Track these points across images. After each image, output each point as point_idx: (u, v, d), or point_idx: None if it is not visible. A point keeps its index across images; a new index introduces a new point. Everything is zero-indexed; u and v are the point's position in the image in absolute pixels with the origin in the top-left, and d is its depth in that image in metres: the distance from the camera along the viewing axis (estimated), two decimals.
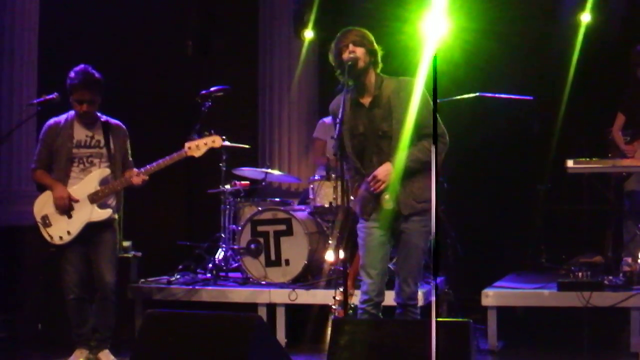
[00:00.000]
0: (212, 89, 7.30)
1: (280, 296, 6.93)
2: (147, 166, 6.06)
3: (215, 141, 6.20)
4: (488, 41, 8.18)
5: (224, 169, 7.82)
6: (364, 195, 5.04)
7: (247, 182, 8.12)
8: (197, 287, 7.23)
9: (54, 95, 6.06)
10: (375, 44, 5.07)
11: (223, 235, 7.76)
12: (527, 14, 8.52)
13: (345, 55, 4.96)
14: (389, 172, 4.93)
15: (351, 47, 4.97)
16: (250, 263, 7.35)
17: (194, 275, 7.71)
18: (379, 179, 4.93)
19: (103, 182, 6.05)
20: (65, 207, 5.94)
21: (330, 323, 4.72)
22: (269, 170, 8.19)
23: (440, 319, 3.60)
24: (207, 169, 8.45)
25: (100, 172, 6.06)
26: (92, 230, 6.00)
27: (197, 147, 6.13)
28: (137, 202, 6.74)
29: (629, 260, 6.90)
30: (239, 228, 7.49)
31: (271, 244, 7.30)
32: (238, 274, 7.65)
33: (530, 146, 8.71)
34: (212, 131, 6.31)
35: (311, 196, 7.48)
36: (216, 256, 7.78)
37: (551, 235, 8.40)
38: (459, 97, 7.47)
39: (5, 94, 7.51)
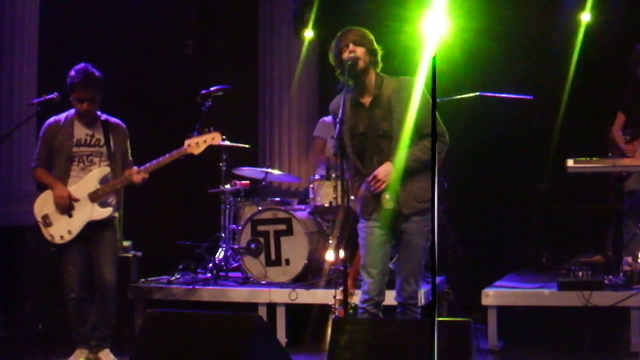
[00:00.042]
0: (212, 88, 7.31)
1: (281, 296, 6.93)
2: (147, 164, 6.06)
3: (215, 138, 6.19)
4: (488, 41, 8.18)
5: (224, 168, 7.82)
6: (364, 195, 5.05)
7: (247, 182, 8.12)
8: (197, 287, 7.23)
9: (54, 95, 6.06)
10: (375, 44, 5.07)
11: (223, 234, 7.76)
12: (527, 14, 8.52)
13: (346, 55, 4.97)
14: (390, 171, 4.93)
15: (351, 46, 4.97)
16: (251, 263, 7.35)
17: (194, 275, 7.71)
18: (380, 179, 4.93)
19: (103, 180, 6.05)
20: (66, 207, 5.94)
21: (330, 323, 4.72)
22: (269, 170, 8.19)
23: (441, 319, 3.60)
24: (207, 168, 8.47)
25: (100, 170, 6.06)
26: (92, 229, 6.00)
27: (196, 144, 6.12)
28: (138, 201, 6.74)
29: (629, 259, 6.90)
30: (239, 228, 7.49)
31: (271, 243, 7.30)
32: (238, 274, 7.65)
33: (530, 146, 8.71)
34: (212, 128, 6.30)
35: (311, 196, 7.48)
36: (216, 256, 7.78)
37: (551, 234, 8.40)
38: (459, 96, 7.48)
39: (5, 93, 7.51)
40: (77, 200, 5.96)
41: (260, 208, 7.49)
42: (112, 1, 8.77)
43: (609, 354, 6.45)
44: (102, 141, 6.08)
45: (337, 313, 5.03)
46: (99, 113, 6.13)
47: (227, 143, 7.72)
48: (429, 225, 4.95)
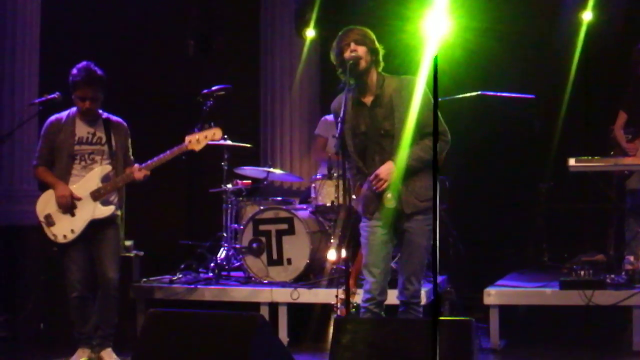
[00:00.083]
0: (213, 88, 7.31)
1: (282, 295, 6.93)
2: (149, 161, 6.06)
3: (216, 134, 6.18)
4: (489, 40, 8.18)
5: (226, 168, 7.82)
6: (366, 194, 5.04)
7: (249, 181, 8.12)
8: (199, 286, 7.23)
9: (56, 95, 6.06)
10: (376, 43, 5.07)
11: (225, 234, 7.76)
12: (528, 13, 8.52)
13: (347, 54, 4.96)
14: (391, 170, 4.93)
15: (353, 45, 4.97)
16: (252, 262, 7.35)
17: (196, 275, 7.71)
18: (381, 178, 4.93)
19: (105, 179, 6.05)
20: (68, 206, 5.95)
21: (332, 322, 4.71)
22: (271, 169, 8.19)
23: (443, 318, 3.61)
24: (208, 168, 8.46)
25: (102, 169, 6.06)
26: (95, 227, 6.00)
27: (197, 140, 6.12)
28: (140, 201, 6.75)
29: (631, 258, 6.90)
30: (241, 227, 7.49)
31: (273, 243, 7.30)
32: (240, 273, 7.65)
33: (532, 145, 8.71)
34: (212, 124, 6.30)
35: (313, 195, 7.48)
36: (218, 255, 7.78)
37: (553, 233, 8.40)
38: (460, 95, 7.47)
39: (6, 93, 7.52)
40: (79, 199, 5.96)
41: (262, 207, 7.49)
42: (113, 1, 8.78)
43: (611, 353, 6.45)
44: (104, 139, 6.09)
45: (339, 312, 5.03)
46: (100, 111, 6.13)
47: (229, 142, 7.72)
48: (431, 224, 4.95)
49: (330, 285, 6.92)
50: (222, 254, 7.76)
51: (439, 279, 3.65)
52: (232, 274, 7.70)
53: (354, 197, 5.16)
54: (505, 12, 8.35)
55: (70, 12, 8.27)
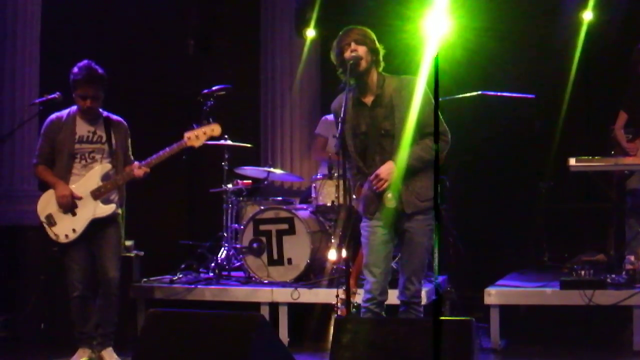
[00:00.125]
0: (214, 88, 7.32)
1: (283, 295, 6.93)
2: (148, 159, 6.06)
3: (215, 130, 6.17)
4: (490, 40, 8.18)
5: (226, 168, 7.82)
6: (367, 194, 5.04)
7: (249, 181, 8.12)
8: (199, 286, 7.23)
9: (56, 95, 6.07)
10: (377, 43, 5.06)
11: (225, 234, 7.76)
12: (529, 12, 8.52)
13: (347, 54, 4.96)
14: (392, 170, 4.93)
15: (353, 45, 4.97)
16: (253, 262, 7.35)
17: (196, 275, 7.71)
18: (382, 178, 4.93)
19: (105, 177, 6.05)
20: (69, 205, 5.95)
21: (332, 322, 4.71)
22: (271, 169, 8.19)
23: (443, 318, 3.60)
24: (209, 168, 8.46)
25: (102, 167, 6.06)
26: (96, 226, 6.00)
27: (196, 136, 6.11)
28: (140, 201, 6.74)
29: (632, 258, 6.89)
30: (241, 227, 7.49)
31: (273, 242, 7.30)
32: (240, 273, 7.65)
33: (532, 144, 8.71)
34: (211, 120, 6.29)
35: (313, 195, 7.48)
36: (218, 255, 7.78)
37: (553, 233, 8.40)
38: (460, 95, 7.47)
39: (7, 93, 7.53)
40: (79, 198, 5.96)
41: (262, 207, 7.49)
42: (113, 1, 8.78)
43: (611, 353, 6.45)
44: (104, 138, 6.09)
45: (339, 312, 5.03)
46: (100, 110, 6.13)
47: (229, 142, 7.73)
48: (432, 224, 4.96)
49: (330, 285, 6.92)
50: (222, 253, 7.76)
51: (440, 278, 3.65)
52: (233, 274, 7.70)
53: (354, 197, 5.16)
54: (506, 12, 8.35)
55: (70, 12, 8.27)
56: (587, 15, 8.46)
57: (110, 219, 6.07)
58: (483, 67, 8.30)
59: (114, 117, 6.21)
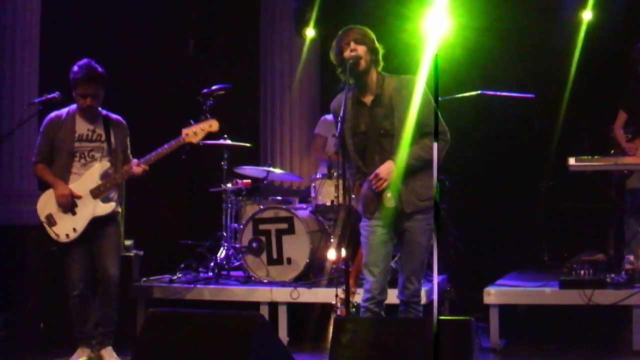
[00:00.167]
0: (213, 87, 7.32)
1: (282, 295, 6.93)
2: (147, 156, 6.06)
3: (212, 125, 6.17)
4: (489, 39, 8.17)
5: (226, 167, 7.83)
6: (366, 194, 5.04)
7: (249, 181, 8.13)
8: (199, 286, 7.23)
9: (55, 95, 6.06)
10: (376, 42, 5.07)
11: (225, 233, 7.76)
12: (528, 12, 8.51)
13: (347, 54, 4.96)
14: (391, 170, 4.93)
15: (352, 45, 4.97)
16: (252, 261, 7.35)
17: (195, 274, 7.71)
18: (381, 177, 4.93)
19: (104, 175, 6.05)
20: (69, 205, 5.95)
21: (332, 321, 4.71)
22: (271, 169, 8.19)
23: (442, 317, 3.60)
24: (208, 167, 8.46)
25: (101, 165, 6.06)
26: (96, 224, 6.00)
27: (194, 133, 6.11)
28: (139, 201, 6.75)
29: (631, 258, 6.90)
30: (241, 226, 7.49)
31: (273, 242, 7.30)
32: (240, 273, 7.65)
33: (531, 144, 8.70)
34: (209, 115, 6.28)
35: (313, 194, 7.48)
36: (218, 255, 7.79)
37: (553, 233, 8.40)
38: (460, 95, 7.47)
39: (6, 92, 7.52)
40: (79, 197, 5.96)
41: (261, 207, 7.49)
42: (113, 0, 8.77)
43: (611, 353, 6.45)
44: (104, 137, 6.09)
45: (339, 312, 5.03)
46: (99, 109, 6.13)
47: (229, 142, 7.73)
48: (431, 224, 4.96)
49: (330, 284, 6.92)
50: (222, 253, 7.76)
51: (439, 278, 3.64)
52: (232, 273, 7.71)
53: (353, 196, 5.15)
54: (505, 11, 8.34)
55: (70, 11, 8.26)
56: (587, 15, 8.46)
57: (110, 218, 6.07)
58: (483, 67, 8.30)
59: (113, 115, 6.21)
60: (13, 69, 7.54)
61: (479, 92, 7.49)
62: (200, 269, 7.84)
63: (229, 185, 7.83)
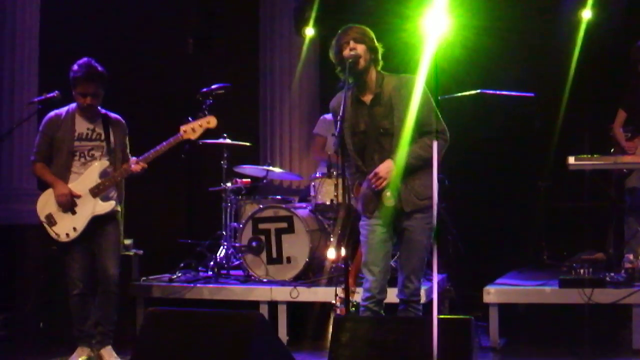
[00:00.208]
0: (213, 86, 7.31)
1: (282, 294, 6.93)
2: (145, 154, 6.06)
3: (210, 122, 6.18)
4: (489, 38, 8.17)
5: (225, 166, 7.82)
6: (365, 193, 5.04)
7: (248, 180, 8.12)
8: (198, 285, 7.23)
9: (55, 94, 6.06)
10: (376, 41, 5.06)
11: (224, 233, 7.76)
12: (528, 11, 8.51)
13: (346, 53, 4.96)
14: (391, 169, 4.93)
15: (352, 44, 4.97)
16: (252, 261, 7.35)
17: (195, 273, 7.71)
18: (381, 176, 4.93)
19: (103, 174, 6.05)
20: (68, 204, 5.95)
21: (331, 320, 4.72)
22: (270, 168, 8.19)
23: (442, 316, 3.61)
24: (208, 166, 8.46)
25: (100, 164, 6.06)
26: (96, 223, 6.00)
27: (192, 129, 6.12)
28: (139, 200, 6.74)
29: (631, 257, 6.89)
30: (240, 226, 7.49)
31: (272, 241, 7.29)
32: (239, 272, 7.65)
33: (531, 143, 8.70)
34: (206, 112, 6.29)
35: (312, 194, 7.48)
36: (217, 254, 7.79)
37: (552, 232, 8.40)
38: (460, 94, 7.47)
39: (6, 92, 7.52)
40: (78, 196, 5.96)
41: (261, 206, 7.49)
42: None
43: (610, 352, 6.44)
44: (103, 136, 6.09)
45: (338, 311, 5.03)
46: (99, 108, 6.13)
47: (228, 141, 7.73)
48: (431, 223, 4.96)
49: (329, 283, 6.92)
50: (221, 252, 7.76)
51: (439, 277, 3.66)
52: (232, 272, 7.70)
53: (352, 195, 5.15)
54: (505, 11, 8.34)
55: (69, 10, 8.27)
56: (586, 14, 8.46)
57: (110, 217, 6.07)
58: (482, 66, 8.30)
59: (112, 115, 6.21)
60: (13, 68, 7.54)
61: (479, 91, 7.50)
62: (199, 268, 7.84)
63: (229, 184, 7.83)
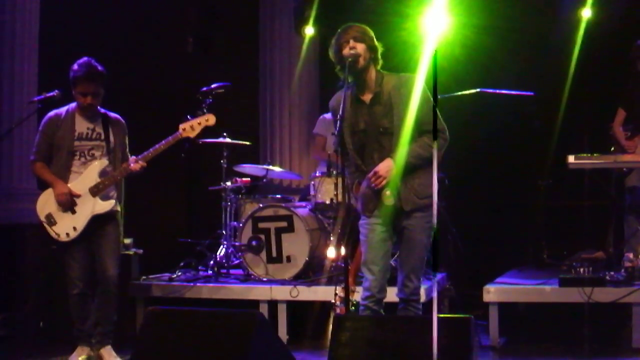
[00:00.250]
0: (212, 85, 7.31)
1: (282, 293, 6.93)
2: (144, 153, 6.06)
3: (209, 120, 6.18)
4: (488, 37, 8.18)
5: (225, 165, 7.82)
6: (365, 192, 5.04)
7: (248, 179, 8.12)
8: (198, 284, 7.23)
9: (55, 93, 6.06)
10: (375, 40, 5.06)
11: (224, 232, 7.75)
12: (527, 10, 8.52)
13: (346, 51, 4.96)
14: (390, 168, 4.93)
15: (352, 42, 4.97)
16: (252, 260, 7.35)
17: (195, 272, 7.71)
18: (380, 175, 4.93)
19: (102, 173, 6.05)
20: (68, 204, 5.95)
21: (331, 319, 4.72)
22: (270, 167, 8.19)
23: (442, 315, 3.61)
24: (208, 165, 8.46)
25: (100, 163, 6.05)
26: (95, 223, 6.00)
27: (191, 127, 6.12)
28: (139, 199, 6.74)
29: (631, 255, 6.89)
30: (240, 225, 7.49)
31: (272, 240, 7.30)
32: (239, 271, 7.65)
33: (531, 142, 8.70)
34: (205, 110, 6.29)
35: (312, 193, 7.48)
36: (217, 253, 7.79)
37: (552, 231, 8.40)
38: (459, 93, 7.47)
39: (6, 91, 7.51)
40: (78, 196, 5.96)
41: (261, 205, 7.49)
42: None
43: (610, 350, 6.44)
44: (103, 135, 6.09)
45: (338, 310, 5.03)
46: (98, 108, 6.13)
47: (228, 140, 7.73)
48: (431, 222, 4.96)
49: (329, 283, 6.92)
50: (221, 251, 7.76)
51: (438, 276, 3.66)
52: (232, 271, 7.70)
53: (352, 194, 5.15)
54: (505, 10, 8.35)
55: (69, 10, 8.26)
56: (586, 13, 8.46)
57: (110, 217, 6.07)
58: (482, 65, 8.30)
59: (112, 114, 6.21)
60: (12, 67, 7.54)
61: (478, 90, 7.49)
62: (199, 267, 7.84)
63: (229, 183, 7.83)
